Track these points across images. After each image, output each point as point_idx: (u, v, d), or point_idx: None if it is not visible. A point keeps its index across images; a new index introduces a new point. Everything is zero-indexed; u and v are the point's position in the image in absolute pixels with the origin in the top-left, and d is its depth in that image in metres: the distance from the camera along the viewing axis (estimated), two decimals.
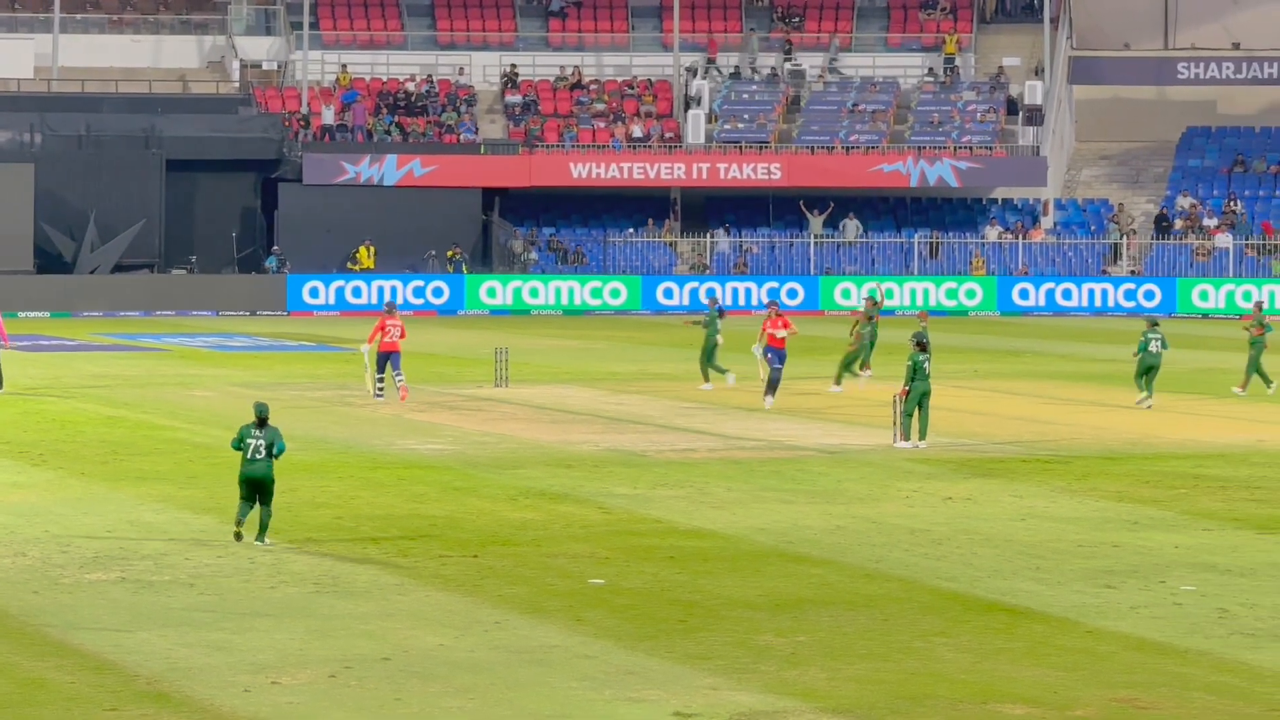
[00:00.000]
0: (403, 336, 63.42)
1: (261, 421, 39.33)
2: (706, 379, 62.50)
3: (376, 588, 34.96)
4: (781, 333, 52.00)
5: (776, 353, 50.54)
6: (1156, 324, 63.55)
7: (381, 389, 56.32)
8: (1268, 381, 61.76)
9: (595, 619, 31.76)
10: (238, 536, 38.22)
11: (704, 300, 66.78)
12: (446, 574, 36.04)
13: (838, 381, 52.96)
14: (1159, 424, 57.73)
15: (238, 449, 38.48)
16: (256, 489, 38.25)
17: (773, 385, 54.59)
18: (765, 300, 58.28)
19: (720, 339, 62.33)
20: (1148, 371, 61.14)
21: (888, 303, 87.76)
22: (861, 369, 54.90)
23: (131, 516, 40.58)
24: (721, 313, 63.02)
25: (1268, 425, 54.78)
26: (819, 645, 29.78)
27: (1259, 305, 63.96)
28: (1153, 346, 61.38)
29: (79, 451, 50.06)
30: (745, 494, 44.28)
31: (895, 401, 50.02)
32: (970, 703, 26.81)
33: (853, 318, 55.54)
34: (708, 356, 62.38)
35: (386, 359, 60.97)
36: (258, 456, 38.39)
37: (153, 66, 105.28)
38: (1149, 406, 60.36)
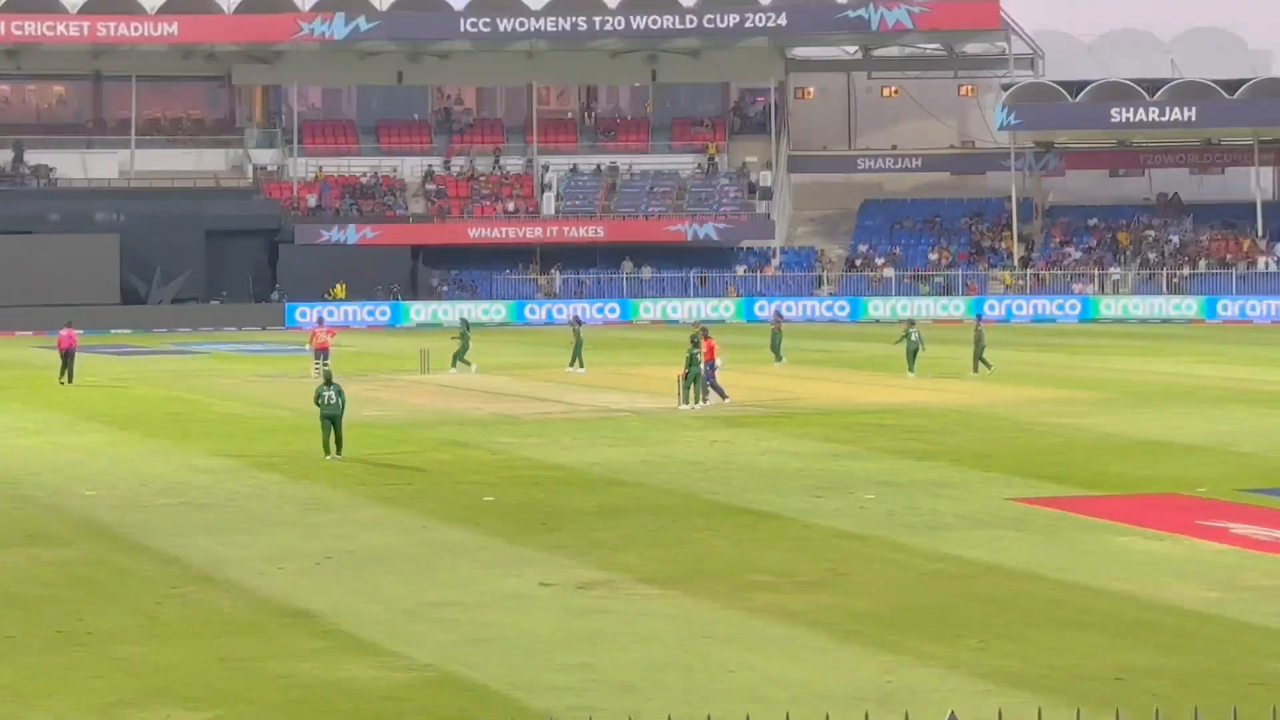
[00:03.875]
0: (331, 335, 68.13)
1: (329, 381, 43.61)
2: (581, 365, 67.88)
3: (345, 506, 36.89)
4: (713, 357, 52.52)
5: (710, 364, 50.36)
6: (914, 322, 67.66)
7: (319, 370, 55.37)
8: (987, 367, 64.43)
9: (488, 524, 34.28)
10: (326, 453, 42.25)
11: (569, 319, 66.35)
12: (389, 496, 38.21)
13: (685, 401, 52.76)
14: (856, 391, 61.86)
15: (317, 403, 43.11)
16: (334, 423, 42.61)
17: (714, 387, 55.31)
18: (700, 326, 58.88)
19: (582, 340, 68.55)
20: (913, 355, 62.52)
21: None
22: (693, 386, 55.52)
23: (187, 462, 43.78)
24: (580, 323, 71.35)
25: (925, 393, 59.49)
26: (632, 538, 32.63)
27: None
28: (914, 336, 64.14)
29: (151, 420, 53.86)
30: (585, 441, 47.46)
31: (678, 380, 54.11)
32: (729, 574, 29.02)
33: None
34: (576, 353, 68.01)
35: (321, 353, 62.91)
36: (332, 402, 42.79)
37: (195, 169, 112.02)
38: (914, 379, 62.83)
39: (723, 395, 54.58)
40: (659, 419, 51.16)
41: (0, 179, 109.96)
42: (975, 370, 63.51)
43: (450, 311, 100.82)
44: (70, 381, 63.49)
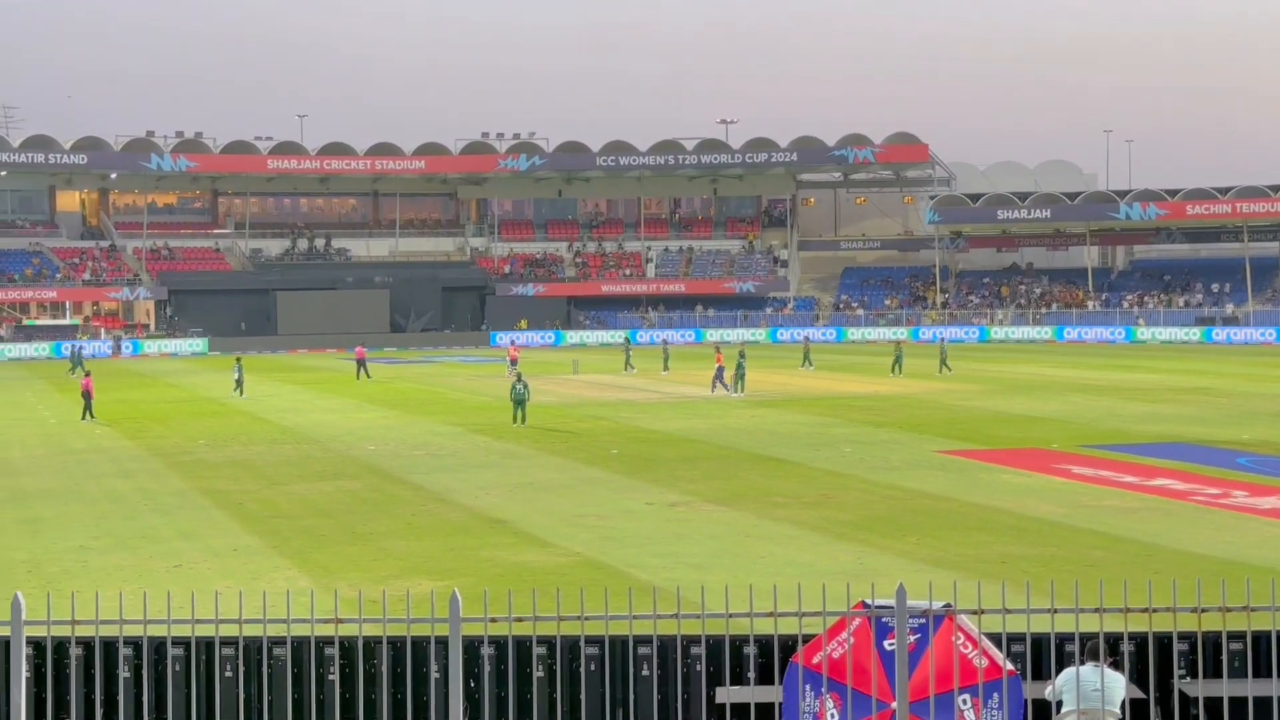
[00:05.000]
0: (516, 351, 68.20)
1: (519, 376, 44.15)
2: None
3: (527, 455, 36.12)
4: (721, 366, 52.35)
5: (721, 370, 49.98)
6: (900, 343, 68.07)
7: (512, 373, 53.53)
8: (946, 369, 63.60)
9: (613, 466, 34.22)
10: (514, 423, 41.79)
11: (661, 341, 66.02)
12: (554, 449, 37.94)
13: (733, 391, 52.32)
14: (838, 385, 59.20)
15: (511, 393, 43.12)
16: (520, 405, 42.57)
17: (722, 383, 54.30)
18: (713, 344, 58.20)
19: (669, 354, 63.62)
20: (897, 363, 61.90)
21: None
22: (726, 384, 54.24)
23: (429, 429, 43.81)
24: (668, 344, 63.14)
25: (882, 386, 57.48)
26: (701, 475, 32.45)
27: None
28: (899, 352, 63.83)
29: (407, 403, 53.27)
30: (672, 416, 47.23)
31: (731, 378, 53.13)
32: (761, 497, 27.76)
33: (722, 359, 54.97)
34: (665, 362, 67.55)
35: (513, 362, 62.17)
36: (519, 389, 42.80)
37: (434, 250, 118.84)
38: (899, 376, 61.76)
39: (730, 390, 53.29)
40: (717, 402, 50.60)
41: (314, 256, 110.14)
42: (940, 373, 61.92)
43: (590, 338, 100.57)
44: (368, 377, 63.62)
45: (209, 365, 79.68)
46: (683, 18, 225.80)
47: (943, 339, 74.55)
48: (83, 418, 45.98)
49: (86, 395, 47.12)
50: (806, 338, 77.83)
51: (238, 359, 60.85)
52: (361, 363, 65.28)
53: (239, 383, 55.89)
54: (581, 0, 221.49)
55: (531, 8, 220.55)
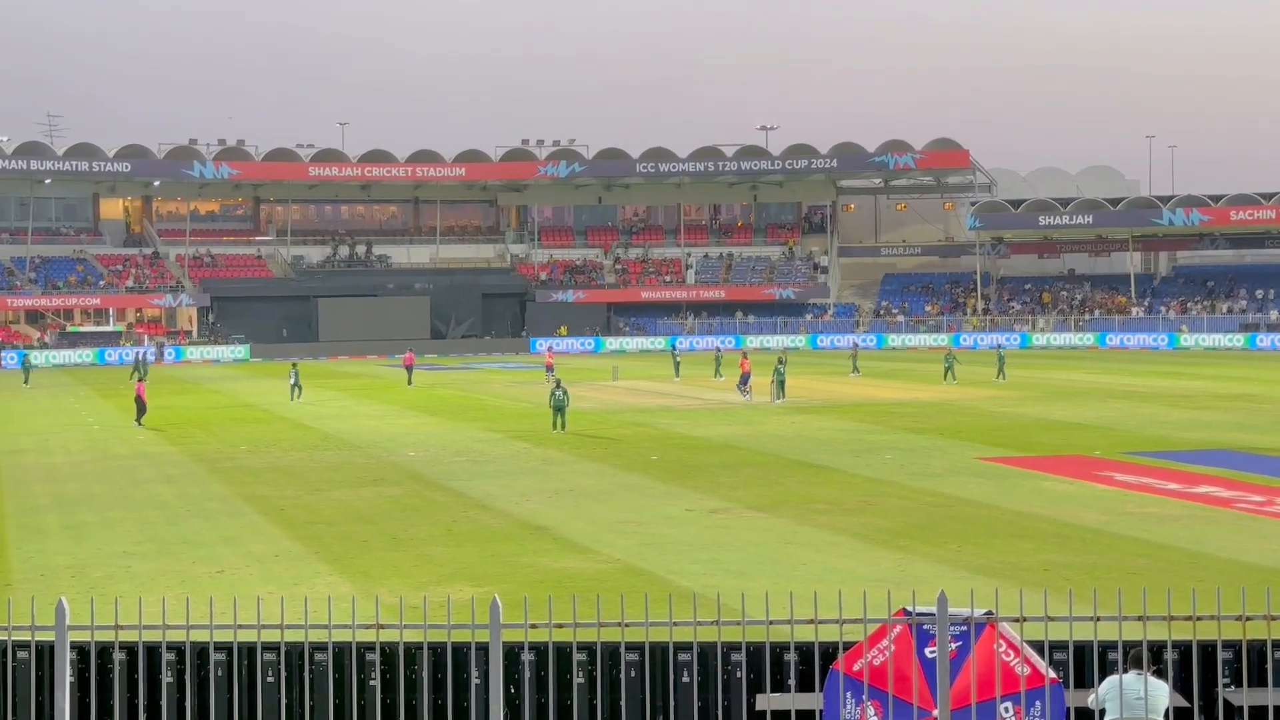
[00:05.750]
0: (551, 358, 69.07)
1: (558, 383, 44.46)
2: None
3: (567, 461, 37.15)
4: (748, 368, 52.37)
5: (745, 376, 49.68)
6: (952, 350, 67.31)
7: (551, 379, 54.84)
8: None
9: (653, 472, 34.24)
10: (554, 429, 41.97)
11: (713, 348, 66.40)
12: (593, 455, 38.08)
13: (748, 394, 52.42)
14: (878, 391, 59.17)
15: (550, 399, 43.30)
16: (560, 411, 42.84)
17: (744, 388, 54.86)
18: (740, 350, 57.91)
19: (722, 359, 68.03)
20: (949, 370, 61.04)
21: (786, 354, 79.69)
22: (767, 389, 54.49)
23: (470, 435, 43.87)
24: (720, 350, 64.78)
25: (920, 391, 55.44)
26: (742, 481, 32.52)
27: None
28: (950, 359, 62.95)
29: (448, 409, 53.52)
30: (712, 422, 47.19)
31: (747, 381, 53.98)
32: (801, 503, 27.41)
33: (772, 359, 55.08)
34: (716, 368, 66.39)
35: (550, 369, 62.56)
36: (559, 395, 43.11)
37: (475, 257, 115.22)
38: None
39: (746, 396, 53.48)
40: (757, 408, 50.52)
41: (356, 263, 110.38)
42: (996, 379, 61.47)
43: (630, 345, 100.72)
44: (410, 385, 64.12)
45: (251, 371, 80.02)
46: (723, 24, 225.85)
47: (1000, 345, 74.11)
48: (137, 422, 46.70)
49: (139, 401, 47.67)
50: (855, 344, 77.03)
51: (294, 364, 61.10)
52: (409, 369, 65.81)
53: (296, 388, 56.57)
54: (621, 7, 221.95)
55: (572, 15, 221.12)
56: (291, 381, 57.10)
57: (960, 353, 71.32)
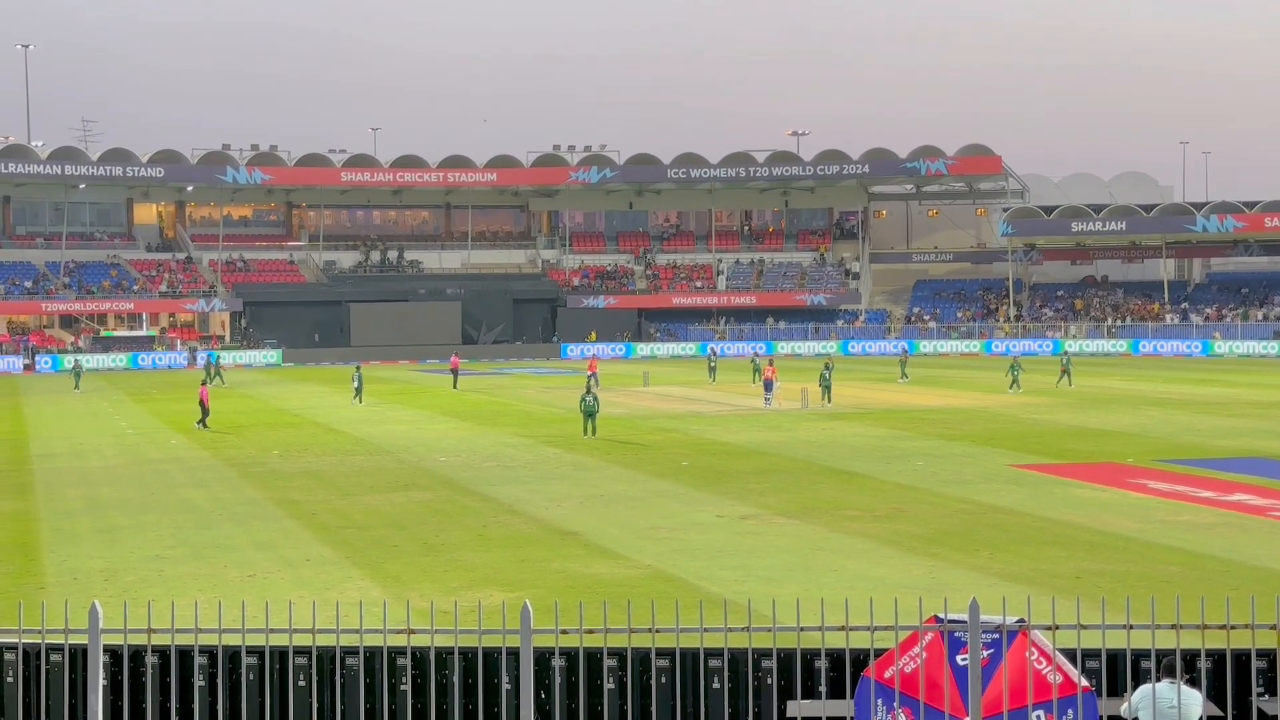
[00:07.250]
0: (594, 367, 65.61)
1: (589, 389, 44.39)
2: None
3: (597, 467, 36.92)
4: (772, 375, 54.08)
5: (768, 383, 49.56)
6: (1017, 360, 63.91)
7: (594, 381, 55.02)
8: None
9: (683, 478, 34.28)
10: (585, 434, 42.10)
11: (751, 354, 66.14)
12: (624, 461, 38.23)
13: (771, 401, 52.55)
14: (910, 398, 58.92)
15: (581, 404, 43.23)
16: (590, 417, 42.88)
17: (768, 394, 55.01)
18: (766, 357, 57.92)
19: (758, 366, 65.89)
20: (1015, 380, 59.95)
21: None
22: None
23: (501, 440, 44.10)
24: (758, 356, 63.17)
25: (954, 399, 57.77)
26: (772, 488, 32.46)
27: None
28: (1016, 368, 61.34)
29: (479, 414, 53.64)
30: (744, 428, 47.10)
31: (772, 388, 54.12)
32: (832, 510, 26.38)
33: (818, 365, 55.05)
34: (755, 373, 65.66)
35: (592, 375, 60.25)
36: (589, 401, 43.08)
37: (506, 262, 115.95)
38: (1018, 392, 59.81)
39: (769, 404, 53.56)
40: (788, 414, 50.53)
41: (388, 268, 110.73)
42: (1057, 385, 61.48)
43: (661, 350, 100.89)
44: (455, 388, 64.95)
45: (283, 376, 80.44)
46: (754, 30, 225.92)
47: (1066, 351, 73.49)
48: (202, 424, 47.25)
49: (202, 405, 48.39)
50: (905, 349, 76.45)
51: (357, 368, 61.78)
52: (455, 372, 66.42)
53: (358, 391, 57.93)
54: (653, 13, 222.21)
55: (604, 21, 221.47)
56: (355, 385, 58.47)
57: (989, 360, 71.25)
